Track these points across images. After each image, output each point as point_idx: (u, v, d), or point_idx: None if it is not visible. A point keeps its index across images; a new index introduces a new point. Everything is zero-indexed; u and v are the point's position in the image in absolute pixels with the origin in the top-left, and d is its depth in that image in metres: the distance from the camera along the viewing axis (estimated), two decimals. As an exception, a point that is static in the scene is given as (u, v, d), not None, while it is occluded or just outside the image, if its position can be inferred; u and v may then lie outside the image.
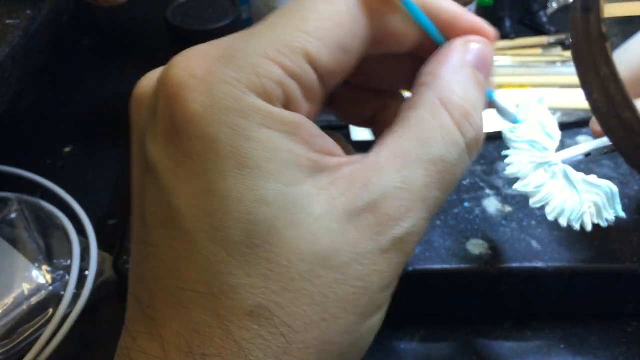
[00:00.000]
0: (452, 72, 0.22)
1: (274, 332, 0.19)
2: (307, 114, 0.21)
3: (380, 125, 0.26)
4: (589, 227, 0.31)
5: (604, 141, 0.31)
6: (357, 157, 0.21)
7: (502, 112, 0.27)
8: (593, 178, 0.31)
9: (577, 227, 0.31)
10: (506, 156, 0.30)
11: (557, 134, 0.31)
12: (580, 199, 0.30)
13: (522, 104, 0.31)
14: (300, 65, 0.20)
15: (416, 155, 0.21)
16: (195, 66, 0.20)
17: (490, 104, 0.26)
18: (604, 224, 0.31)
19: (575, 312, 0.42)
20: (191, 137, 0.19)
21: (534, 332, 0.41)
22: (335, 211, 0.19)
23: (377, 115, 0.27)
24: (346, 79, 0.23)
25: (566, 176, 0.31)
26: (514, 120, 0.28)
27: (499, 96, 0.26)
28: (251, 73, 0.19)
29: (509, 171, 0.30)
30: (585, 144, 0.32)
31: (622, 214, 0.31)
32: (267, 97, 0.19)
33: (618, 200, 0.31)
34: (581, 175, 0.31)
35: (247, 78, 0.19)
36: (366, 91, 0.26)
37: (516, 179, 0.31)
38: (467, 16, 0.24)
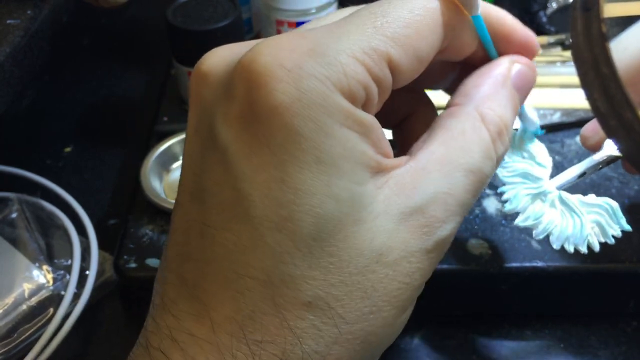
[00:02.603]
0: (495, 89, 0.24)
1: (328, 323, 0.20)
2: (375, 114, 0.22)
3: (406, 130, 0.28)
4: (596, 248, 0.31)
5: (595, 159, 0.31)
6: (404, 159, 0.22)
7: (527, 123, 0.29)
8: (591, 198, 0.31)
9: (584, 250, 0.31)
10: (502, 192, 0.31)
11: (548, 161, 0.31)
12: (581, 221, 0.30)
13: None
14: (382, 70, 0.21)
15: (459, 164, 0.22)
16: (285, 57, 0.20)
17: (519, 114, 0.28)
18: (611, 242, 0.31)
19: (575, 312, 0.42)
20: (273, 126, 0.19)
21: (534, 332, 0.41)
22: (390, 211, 0.21)
23: (405, 121, 0.28)
24: None
25: (563, 202, 0.31)
26: (538, 132, 0.29)
27: (528, 108, 0.28)
28: (340, 72, 0.20)
29: (508, 208, 0.30)
30: (577, 165, 0.32)
31: (628, 227, 0.31)
32: (351, 97, 0.20)
33: (620, 214, 0.31)
34: (578, 197, 0.31)
35: (336, 76, 0.20)
36: (404, 94, 0.27)
37: (517, 214, 0.31)
38: (522, 29, 0.25)
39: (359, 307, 0.20)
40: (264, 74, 0.19)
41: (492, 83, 0.24)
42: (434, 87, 0.28)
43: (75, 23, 0.58)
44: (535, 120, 0.29)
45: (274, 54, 0.20)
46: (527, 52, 0.25)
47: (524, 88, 0.25)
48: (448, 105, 0.24)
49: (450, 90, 0.28)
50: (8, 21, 0.42)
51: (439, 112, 0.25)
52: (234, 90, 0.20)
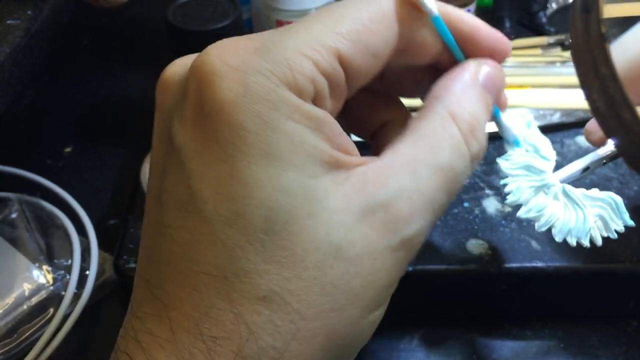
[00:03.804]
0: (463, 89, 0.23)
1: (284, 319, 0.19)
2: (331, 111, 0.22)
3: (381, 140, 0.27)
4: (599, 242, 0.30)
5: (599, 154, 0.31)
6: (370, 159, 0.22)
7: (505, 132, 0.28)
8: (594, 192, 0.31)
9: (586, 243, 0.30)
10: (505, 185, 0.30)
11: (552, 154, 0.31)
12: (584, 215, 0.30)
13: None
14: (331, 64, 0.21)
15: (427, 162, 0.22)
16: (231, 55, 0.20)
17: (495, 122, 0.27)
18: (613, 236, 0.31)
19: (575, 312, 0.42)
20: (220, 123, 0.20)
21: (534, 332, 0.41)
22: (350, 206, 0.20)
23: (381, 129, 0.27)
24: (368, 84, 0.23)
25: (567, 195, 0.30)
26: (515, 142, 0.29)
27: (505, 116, 0.27)
28: (285, 67, 0.20)
29: (510, 200, 0.30)
30: (582, 159, 0.32)
31: (631, 222, 0.31)
32: (298, 91, 0.20)
33: (624, 209, 0.31)
34: (582, 190, 0.31)
35: (281, 71, 0.20)
36: (379, 101, 0.27)
37: (519, 206, 0.30)
38: (486, 30, 0.25)
39: (318, 304, 0.20)
40: (210, 73, 0.20)
41: (460, 84, 0.24)
42: (409, 95, 0.28)
43: (75, 23, 0.58)
44: (512, 129, 0.28)
45: (220, 54, 0.20)
46: (497, 54, 0.25)
47: (493, 89, 0.24)
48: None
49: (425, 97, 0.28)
50: (8, 21, 0.42)
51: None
52: (187, 93, 0.21)
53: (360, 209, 0.20)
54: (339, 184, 0.20)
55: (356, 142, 0.23)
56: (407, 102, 0.28)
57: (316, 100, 0.21)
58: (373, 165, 0.21)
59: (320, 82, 0.21)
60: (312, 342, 0.20)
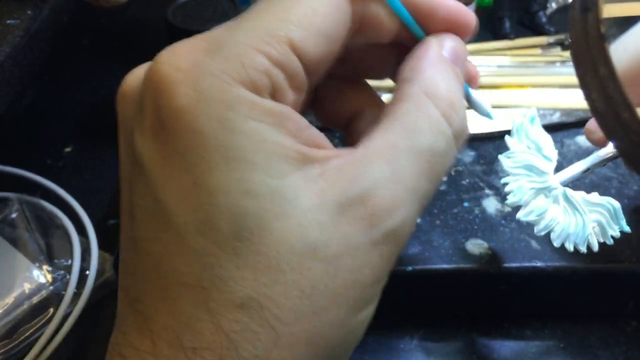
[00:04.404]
0: (433, 66, 0.22)
1: (264, 325, 0.19)
2: (293, 104, 0.21)
3: (355, 130, 0.26)
4: (595, 248, 0.31)
5: (600, 155, 0.31)
6: (345, 150, 0.21)
7: (476, 107, 0.27)
8: (594, 196, 0.31)
9: (584, 249, 0.30)
10: (506, 184, 0.30)
11: (554, 154, 0.30)
12: (583, 220, 0.30)
13: (514, 127, 0.30)
14: (285, 54, 0.20)
15: (404, 146, 0.21)
16: (181, 59, 0.20)
17: (466, 97, 0.26)
18: (610, 242, 0.31)
19: (575, 312, 0.42)
20: (178, 131, 0.19)
21: (534, 332, 0.41)
22: (325, 203, 0.19)
23: (354, 119, 0.26)
24: (330, 69, 0.23)
25: (567, 199, 0.30)
26: (488, 116, 0.28)
27: (474, 92, 0.26)
28: (237, 64, 0.19)
29: (510, 200, 0.30)
30: (582, 161, 0.32)
31: (627, 229, 0.31)
32: (254, 88, 0.19)
33: (621, 215, 0.31)
34: (582, 194, 0.31)
35: (233, 69, 0.19)
36: (346, 88, 0.26)
37: (519, 206, 0.30)
38: (446, 4, 0.24)
39: (298, 308, 0.19)
40: (163, 81, 0.19)
41: (428, 62, 0.22)
42: (378, 77, 0.27)
43: (75, 23, 0.58)
44: (483, 103, 0.27)
45: (171, 60, 0.20)
46: (460, 29, 0.24)
47: (460, 63, 0.23)
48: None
49: (394, 77, 0.26)
50: (8, 21, 0.42)
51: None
52: (144, 103, 0.20)
53: (336, 204, 0.19)
54: (312, 181, 0.19)
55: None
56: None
57: (275, 95, 0.20)
58: (349, 157, 0.20)
59: (275, 75, 0.20)
60: (295, 347, 0.19)
